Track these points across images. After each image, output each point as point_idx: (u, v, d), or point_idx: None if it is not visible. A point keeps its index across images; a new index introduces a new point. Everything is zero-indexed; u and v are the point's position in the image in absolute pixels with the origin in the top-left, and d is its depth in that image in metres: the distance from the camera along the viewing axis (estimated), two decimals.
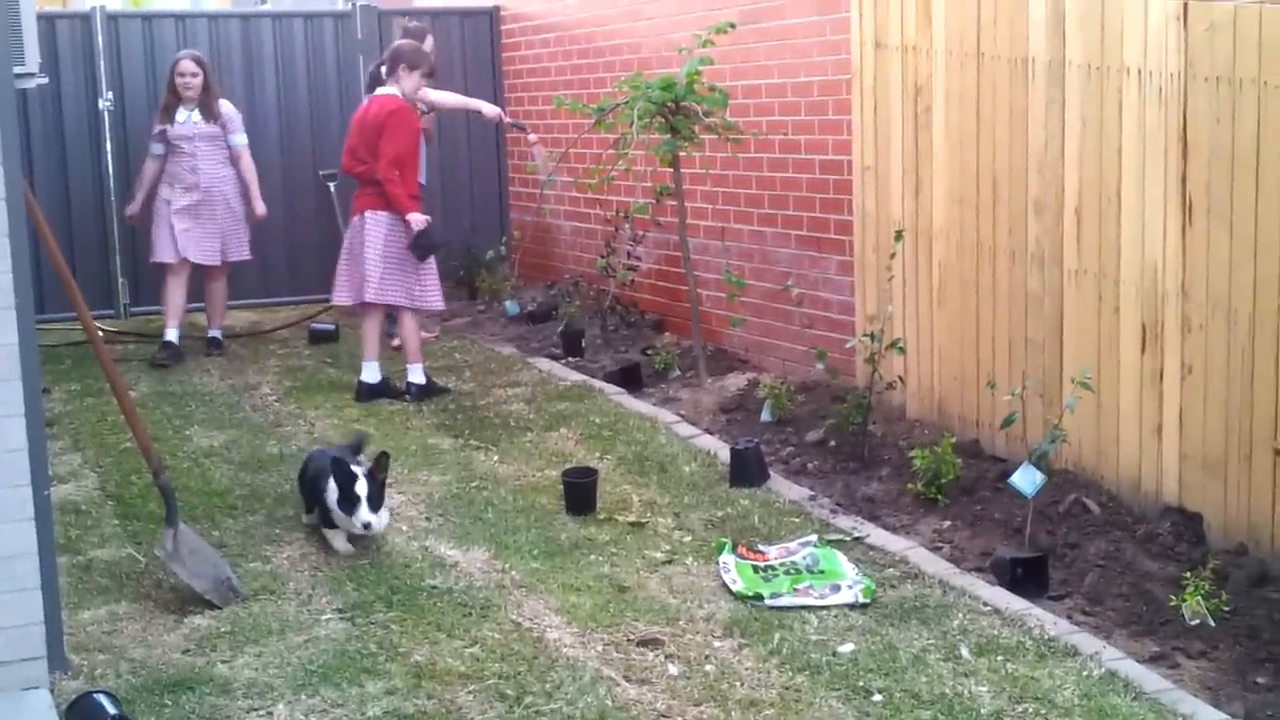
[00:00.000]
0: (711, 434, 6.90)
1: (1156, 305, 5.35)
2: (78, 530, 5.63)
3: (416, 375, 7.78)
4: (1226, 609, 4.61)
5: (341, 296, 7.90)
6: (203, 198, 8.96)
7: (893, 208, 6.81)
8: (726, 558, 5.13)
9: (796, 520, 5.64)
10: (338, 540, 5.35)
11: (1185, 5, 5.13)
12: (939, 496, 5.75)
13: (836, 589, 4.83)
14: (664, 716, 4.01)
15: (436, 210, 10.24)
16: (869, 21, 6.88)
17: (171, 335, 8.94)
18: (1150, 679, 4.18)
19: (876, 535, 5.44)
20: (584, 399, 7.58)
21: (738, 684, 4.19)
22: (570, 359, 8.66)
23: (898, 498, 5.87)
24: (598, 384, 7.88)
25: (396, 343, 8.12)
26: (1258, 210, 4.88)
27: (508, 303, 10.02)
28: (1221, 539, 5.11)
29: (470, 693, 4.15)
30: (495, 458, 6.60)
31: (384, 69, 7.83)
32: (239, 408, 7.72)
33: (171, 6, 11.49)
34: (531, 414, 7.35)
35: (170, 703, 4.11)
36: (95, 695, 3.96)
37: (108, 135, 10.21)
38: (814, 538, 5.32)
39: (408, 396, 7.73)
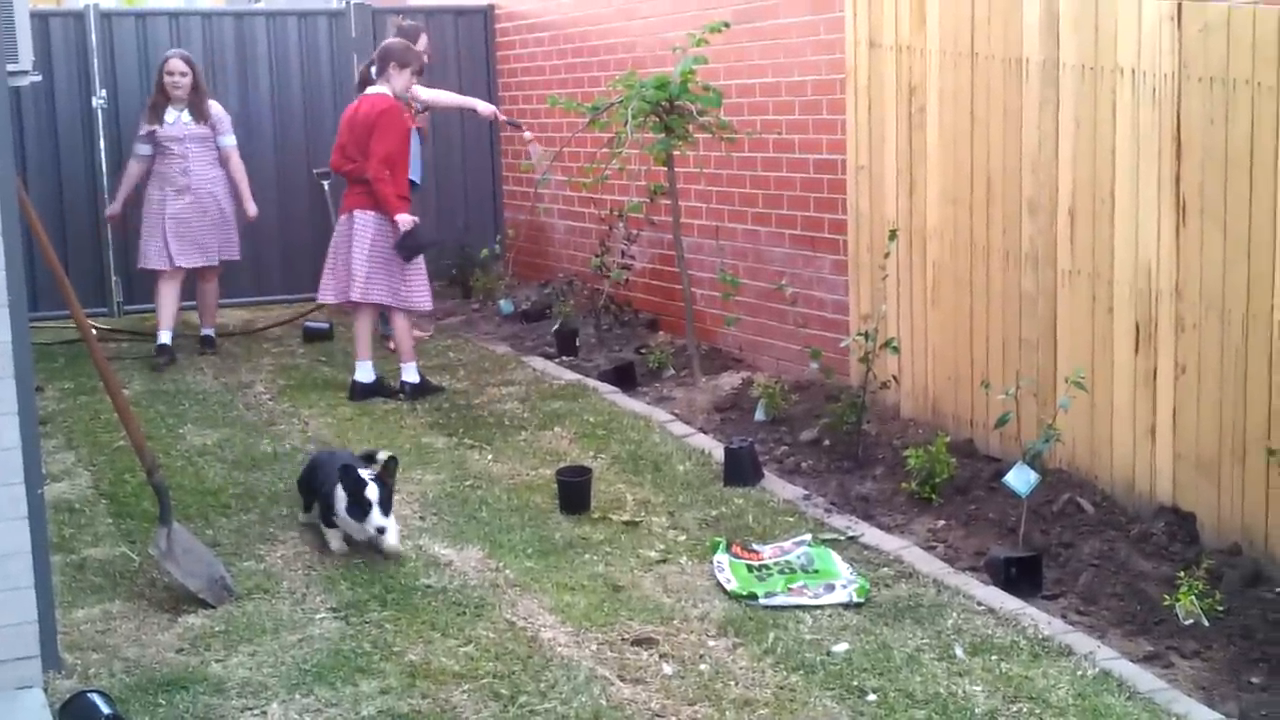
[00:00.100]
0: (706, 433, 6.90)
1: (1150, 305, 5.36)
2: (71, 529, 5.63)
3: (410, 374, 7.78)
4: (1220, 609, 4.61)
5: (327, 295, 7.90)
6: (194, 199, 8.90)
7: (887, 207, 6.81)
8: (721, 557, 5.13)
9: (791, 519, 5.64)
10: (334, 540, 5.33)
11: (1179, 6, 5.14)
12: (933, 496, 5.75)
13: (831, 588, 4.84)
14: (658, 716, 4.01)
15: (431, 209, 10.28)
16: (863, 21, 6.88)
17: (165, 338, 8.90)
18: (1144, 679, 4.19)
19: (871, 534, 5.44)
20: (578, 398, 7.58)
21: (732, 683, 4.19)
22: (564, 358, 8.66)
23: (892, 497, 5.87)
24: (592, 383, 7.88)
25: (394, 345, 8.12)
26: (1251, 210, 4.89)
27: (502, 301, 10.02)
28: (1215, 539, 5.12)
29: (464, 692, 4.15)
30: (489, 457, 6.60)
31: (374, 68, 7.82)
32: (233, 406, 7.71)
33: (165, 4, 11.47)
34: (525, 413, 7.35)
35: (164, 702, 4.11)
36: (89, 694, 3.96)
37: (101, 133, 10.20)
38: (808, 537, 5.33)
39: (402, 396, 7.72)
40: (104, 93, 10.19)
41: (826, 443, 6.54)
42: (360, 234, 7.61)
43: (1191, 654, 4.45)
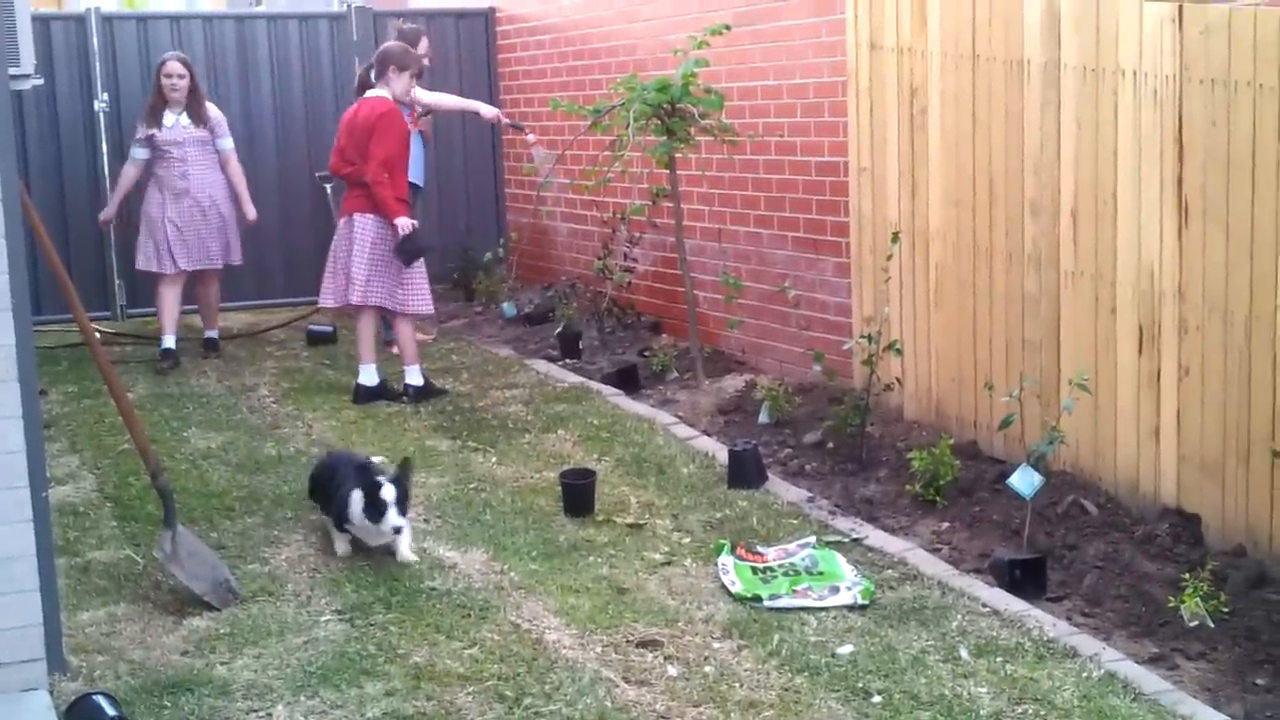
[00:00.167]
0: (709, 435, 6.90)
1: (1153, 306, 5.36)
2: (76, 532, 5.63)
3: (414, 377, 7.78)
4: (1225, 610, 4.61)
5: (327, 299, 7.89)
6: (193, 203, 8.85)
7: (889, 209, 6.81)
8: (725, 559, 5.13)
9: (795, 522, 5.64)
10: (340, 543, 5.32)
11: (1180, 8, 5.14)
12: (937, 498, 5.75)
13: (835, 590, 4.84)
14: (663, 718, 4.01)
15: (433, 212, 10.29)
16: (864, 23, 6.89)
17: (169, 342, 8.89)
18: (1149, 680, 4.19)
19: (875, 536, 5.44)
20: (581, 401, 7.58)
21: (737, 685, 4.19)
22: (568, 361, 8.66)
23: (896, 499, 5.87)
24: (595, 385, 7.88)
25: (396, 348, 8.13)
26: (1253, 212, 4.89)
27: (505, 304, 10.02)
28: (1220, 540, 5.12)
29: (469, 694, 4.15)
30: (493, 459, 6.60)
31: (373, 71, 7.82)
32: (236, 409, 7.71)
33: (166, 8, 11.48)
34: (529, 416, 7.35)
35: (169, 704, 4.11)
36: (94, 697, 3.96)
37: (103, 136, 10.21)
38: (812, 539, 5.33)
39: (405, 399, 7.72)
40: (106, 96, 10.20)
41: (830, 445, 6.54)
42: (360, 237, 7.61)
43: (1196, 655, 4.45)
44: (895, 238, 6.58)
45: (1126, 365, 5.52)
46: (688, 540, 5.46)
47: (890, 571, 5.09)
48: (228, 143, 9.05)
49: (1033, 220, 5.94)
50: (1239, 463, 5.04)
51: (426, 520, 5.74)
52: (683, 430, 6.97)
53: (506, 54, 11.31)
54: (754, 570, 5.01)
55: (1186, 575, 4.79)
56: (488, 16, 11.43)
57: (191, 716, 4.06)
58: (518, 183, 11.26)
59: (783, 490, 6.03)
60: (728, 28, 7.61)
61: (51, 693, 4.11)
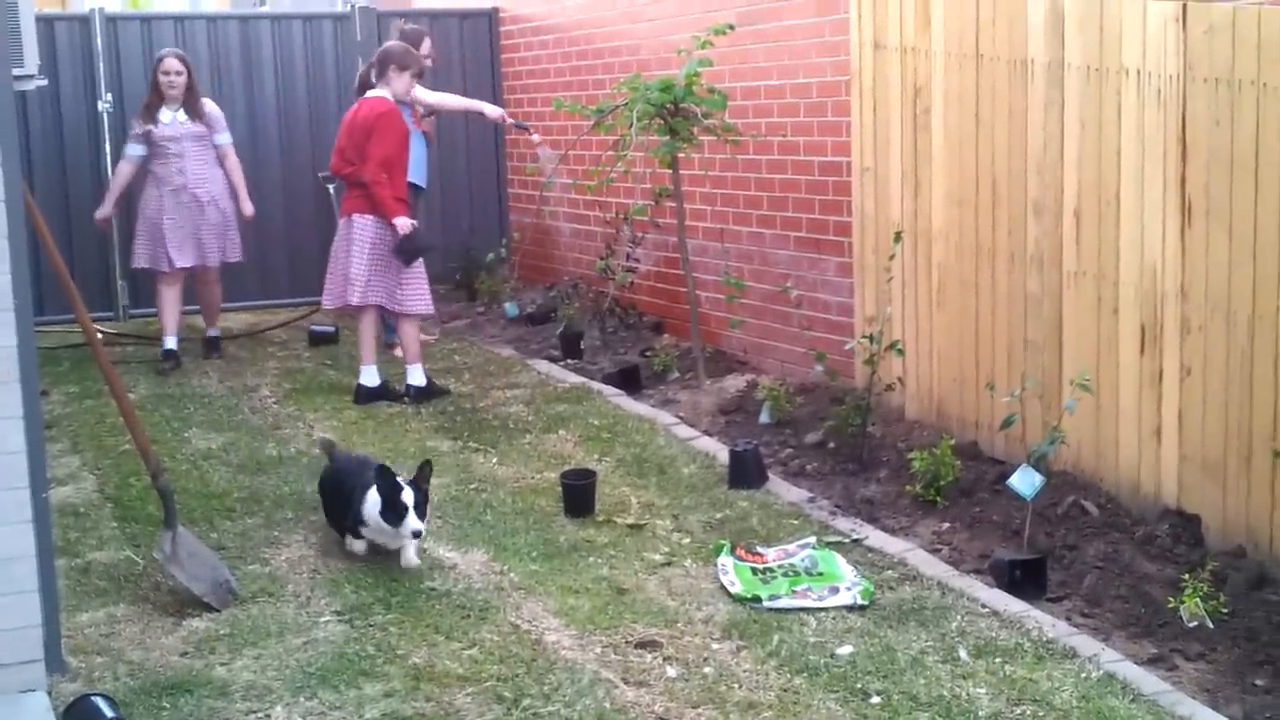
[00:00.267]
0: (710, 436, 6.89)
1: (1156, 307, 5.35)
2: (76, 532, 5.63)
3: (416, 377, 7.78)
4: (1225, 611, 4.60)
5: (328, 300, 7.89)
6: (192, 199, 8.78)
7: (892, 209, 6.81)
8: (725, 560, 5.13)
9: (795, 522, 5.63)
10: (357, 546, 5.29)
11: (1184, 7, 5.13)
12: (938, 498, 5.75)
13: (835, 591, 4.83)
14: (662, 719, 4.01)
15: (436, 212, 10.29)
16: (868, 23, 6.88)
17: (171, 343, 8.87)
18: (1149, 681, 4.18)
19: (875, 537, 5.43)
20: (583, 401, 7.58)
21: (736, 686, 4.19)
22: (569, 361, 8.66)
23: (896, 499, 5.87)
24: (597, 386, 7.88)
25: (399, 350, 8.12)
26: (1257, 212, 4.88)
27: (507, 305, 10.02)
28: (1220, 541, 5.11)
29: (468, 695, 4.15)
30: (494, 460, 6.60)
31: (373, 71, 7.82)
32: (238, 410, 7.71)
33: (170, 8, 11.48)
34: (530, 416, 7.35)
35: (168, 705, 4.11)
36: (93, 698, 3.96)
37: (107, 137, 10.20)
38: (813, 540, 5.32)
39: (407, 399, 7.72)
40: (109, 96, 10.21)
41: (831, 445, 6.53)
42: (359, 238, 7.61)
43: (1196, 656, 4.44)
44: (898, 238, 6.57)
45: (1128, 365, 5.51)
46: (688, 541, 5.46)
47: (890, 572, 5.08)
48: (225, 138, 8.98)
49: (1036, 220, 5.93)
50: (1240, 463, 5.03)
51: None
52: (684, 430, 6.96)
53: (510, 54, 11.31)
54: (754, 571, 5.01)
55: (1186, 576, 4.78)
56: (491, 16, 11.43)
57: (190, 718, 4.05)
58: (520, 183, 11.26)
59: (783, 491, 6.03)
60: (731, 27, 7.60)
61: (50, 694, 4.10)
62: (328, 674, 4.29)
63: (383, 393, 7.77)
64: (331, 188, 10.04)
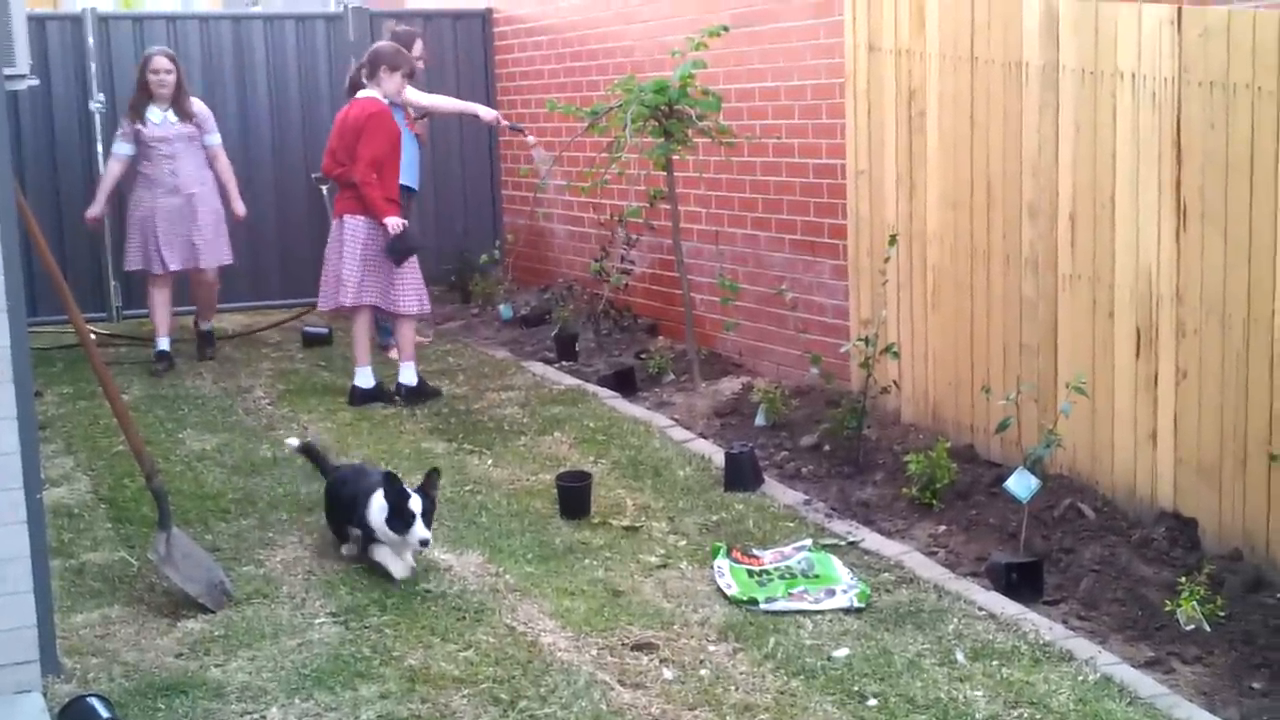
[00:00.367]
0: (706, 438, 6.89)
1: (1151, 310, 5.36)
2: (70, 534, 5.61)
3: (408, 376, 7.76)
4: (1222, 614, 4.61)
5: (323, 301, 7.87)
6: (184, 201, 8.72)
7: (887, 212, 6.81)
8: (721, 562, 5.12)
9: (791, 525, 5.63)
10: (394, 564, 5.05)
11: (1179, 10, 5.14)
12: (934, 501, 5.75)
13: (831, 593, 4.83)
14: None
15: (430, 214, 10.28)
16: (862, 25, 6.88)
17: (164, 344, 8.84)
18: (1145, 684, 4.18)
19: (871, 540, 5.43)
20: (578, 403, 7.57)
21: (732, 688, 4.18)
22: (564, 363, 8.65)
23: (892, 502, 5.87)
24: (592, 388, 7.87)
25: (393, 352, 8.11)
26: (1251, 215, 4.89)
27: (501, 306, 10.01)
28: (1216, 544, 5.11)
29: (464, 697, 4.14)
30: (489, 462, 6.59)
31: (364, 71, 7.80)
32: (232, 411, 7.70)
33: (162, 8, 11.46)
34: (525, 418, 7.34)
35: (163, 706, 4.10)
36: (88, 699, 3.95)
37: (99, 137, 10.17)
38: (809, 542, 5.32)
39: (398, 399, 7.70)
40: (102, 96, 10.17)
41: (827, 448, 6.53)
42: (350, 239, 7.59)
43: (1193, 659, 4.45)
44: (893, 240, 6.57)
45: (1124, 368, 5.51)
46: (684, 543, 5.45)
47: (886, 574, 5.08)
48: (216, 138, 8.93)
49: (1031, 223, 5.93)
50: (1236, 466, 5.03)
51: None
52: (679, 433, 6.96)
53: (504, 55, 11.30)
54: (750, 573, 5.00)
55: (1183, 579, 4.79)
56: (485, 17, 11.42)
57: (185, 719, 4.04)
58: (514, 184, 11.25)
59: (779, 493, 6.02)
60: (726, 29, 7.60)
61: (45, 695, 4.09)
62: (323, 675, 4.28)
63: (377, 394, 7.75)
64: (324, 189, 10.01)
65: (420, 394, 7.73)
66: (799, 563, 5.06)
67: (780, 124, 7.72)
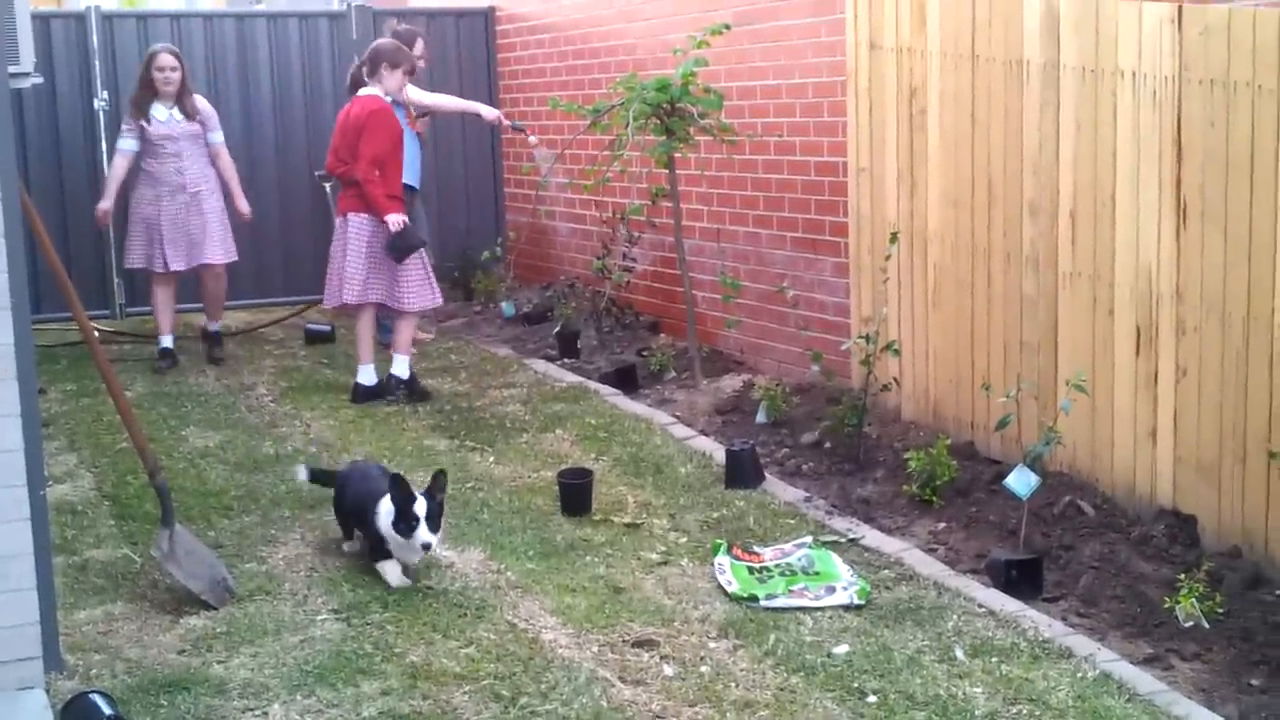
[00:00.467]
0: (707, 435, 6.90)
1: (1151, 308, 5.37)
2: (74, 530, 5.63)
3: (400, 368, 7.74)
4: (1221, 611, 4.62)
5: (329, 299, 7.88)
6: (189, 199, 8.70)
7: (888, 210, 6.82)
8: (722, 559, 5.13)
9: (792, 522, 5.64)
10: (392, 573, 5.00)
11: (1179, 8, 5.14)
12: (934, 498, 5.76)
13: (831, 590, 4.84)
14: (659, 717, 4.01)
15: (433, 212, 10.28)
16: (864, 23, 6.89)
17: (167, 342, 8.85)
18: (1144, 680, 4.19)
19: (872, 537, 5.45)
20: (579, 400, 7.58)
21: (733, 685, 4.20)
22: (566, 360, 8.67)
23: (893, 499, 5.88)
24: (593, 385, 7.89)
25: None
26: (1251, 213, 4.90)
27: (503, 304, 10.02)
28: (1215, 542, 5.12)
29: (465, 693, 4.15)
30: (491, 459, 6.60)
31: (365, 68, 7.81)
32: (235, 408, 7.71)
33: (166, 6, 11.47)
34: (527, 415, 7.36)
35: (166, 703, 4.11)
36: (91, 695, 3.96)
37: (103, 135, 10.18)
38: (809, 539, 5.33)
39: (393, 396, 7.67)
40: (105, 94, 10.19)
41: (827, 445, 6.55)
42: (355, 237, 7.61)
43: (1192, 656, 4.46)
44: (894, 238, 6.58)
45: (1124, 366, 5.52)
46: (684, 540, 5.47)
47: (886, 571, 5.09)
48: (219, 136, 8.90)
49: (1031, 221, 5.94)
50: (1235, 464, 5.04)
51: None
52: (680, 430, 6.97)
53: (506, 53, 11.31)
54: (750, 570, 5.02)
55: (1182, 576, 4.80)
56: (487, 16, 11.44)
57: (188, 715, 4.06)
58: (516, 182, 11.27)
59: (780, 490, 6.03)
60: (727, 27, 7.61)
61: (48, 691, 4.11)
62: (325, 672, 4.30)
63: (380, 392, 7.76)
64: (328, 186, 10.04)
65: (413, 388, 7.71)
66: (799, 560, 5.08)
67: (782, 122, 7.73)
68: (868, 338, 6.42)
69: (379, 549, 5.03)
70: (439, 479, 5.03)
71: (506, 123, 9.68)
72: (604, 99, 8.31)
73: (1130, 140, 5.40)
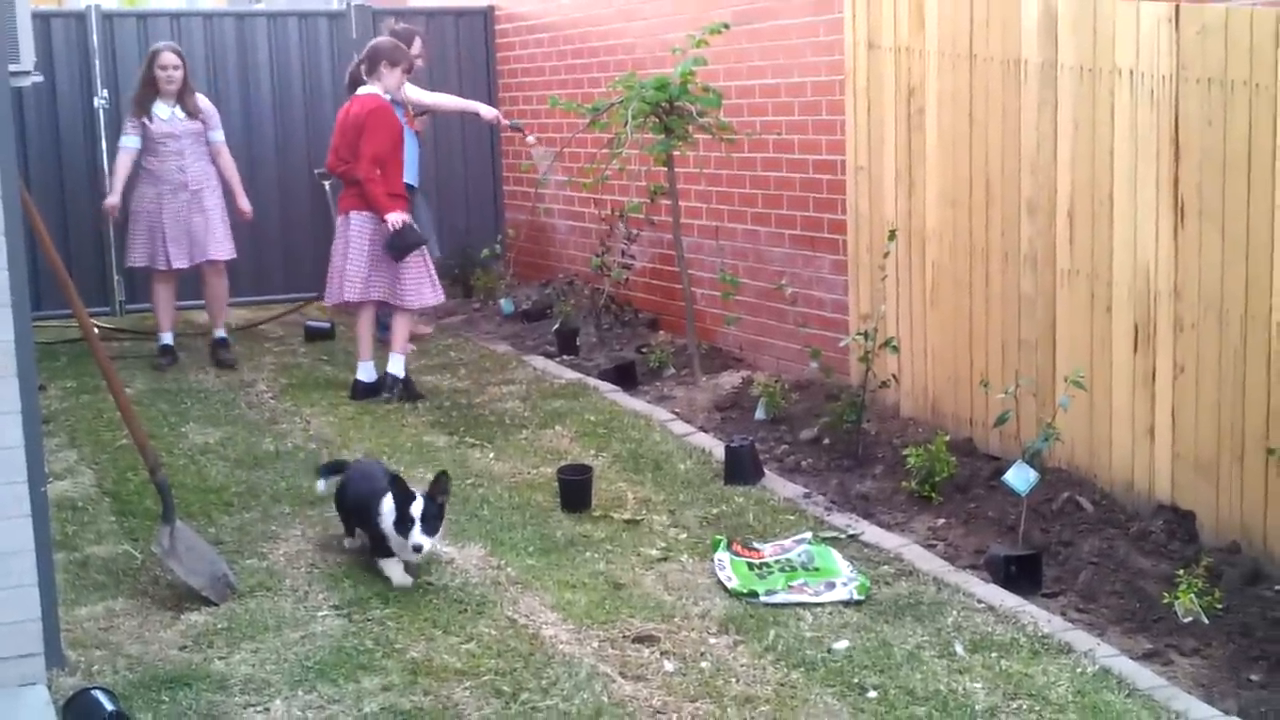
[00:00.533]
0: (706, 432, 6.92)
1: (1149, 306, 5.38)
2: (74, 527, 5.64)
3: (396, 366, 7.74)
4: (1219, 607, 4.63)
5: (330, 297, 7.88)
6: (191, 197, 8.69)
7: (886, 208, 6.83)
8: (721, 555, 5.15)
9: (791, 518, 5.66)
10: (394, 571, 4.99)
11: (1177, 8, 5.16)
12: (933, 494, 5.77)
13: (831, 586, 4.85)
14: (659, 713, 4.03)
15: (431, 210, 10.29)
16: (862, 23, 6.90)
17: (168, 339, 8.85)
18: (1143, 676, 4.20)
19: (871, 533, 5.46)
20: (579, 397, 7.60)
21: (733, 680, 4.21)
22: (565, 357, 8.68)
23: (892, 495, 5.89)
24: (593, 382, 7.90)
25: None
26: (1249, 211, 4.91)
27: (503, 301, 10.03)
28: (1214, 537, 5.14)
29: (466, 689, 4.17)
30: (491, 455, 6.62)
31: (363, 67, 7.81)
32: (235, 405, 7.72)
33: (166, 5, 11.47)
34: (527, 412, 7.37)
35: (167, 699, 4.12)
36: (92, 691, 3.97)
37: (103, 133, 10.19)
38: (809, 535, 5.35)
39: (386, 395, 7.67)
40: (105, 93, 10.20)
41: (826, 441, 6.56)
42: (356, 236, 7.62)
43: (1191, 651, 4.47)
44: (892, 236, 6.60)
45: (1122, 364, 5.53)
46: (684, 536, 5.48)
47: (886, 567, 5.10)
48: (220, 134, 8.89)
49: (1029, 220, 5.96)
50: (1233, 461, 5.06)
51: None
52: (680, 426, 6.98)
53: (505, 52, 11.32)
54: (750, 566, 5.03)
55: (1181, 572, 4.81)
56: (486, 15, 11.45)
57: (189, 711, 4.07)
58: (516, 180, 11.28)
59: (779, 486, 6.05)
60: (726, 26, 7.63)
61: (50, 687, 4.12)
62: (326, 668, 4.31)
63: (380, 388, 7.77)
64: (327, 184, 10.05)
65: (408, 388, 7.71)
66: (799, 555, 5.09)
67: (780, 120, 7.75)
68: (866, 334, 6.44)
69: (381, 547, 5.03)
70: (441, 481, 5.00)
71: (505, 122, 9.70)
72: (603, 98, 8.32)
73: (1128, 139, 5.42)
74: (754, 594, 4.82)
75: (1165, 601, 4.70)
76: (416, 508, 4.87)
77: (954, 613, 4.66)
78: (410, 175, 8.54)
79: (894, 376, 6.77)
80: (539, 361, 8.55)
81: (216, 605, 4.80)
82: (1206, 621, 4.58)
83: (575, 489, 5.81)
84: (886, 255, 6.66)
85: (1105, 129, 5.52)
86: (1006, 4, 5.98)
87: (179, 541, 4.98)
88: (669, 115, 7.58)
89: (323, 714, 4.04)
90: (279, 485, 6.16)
